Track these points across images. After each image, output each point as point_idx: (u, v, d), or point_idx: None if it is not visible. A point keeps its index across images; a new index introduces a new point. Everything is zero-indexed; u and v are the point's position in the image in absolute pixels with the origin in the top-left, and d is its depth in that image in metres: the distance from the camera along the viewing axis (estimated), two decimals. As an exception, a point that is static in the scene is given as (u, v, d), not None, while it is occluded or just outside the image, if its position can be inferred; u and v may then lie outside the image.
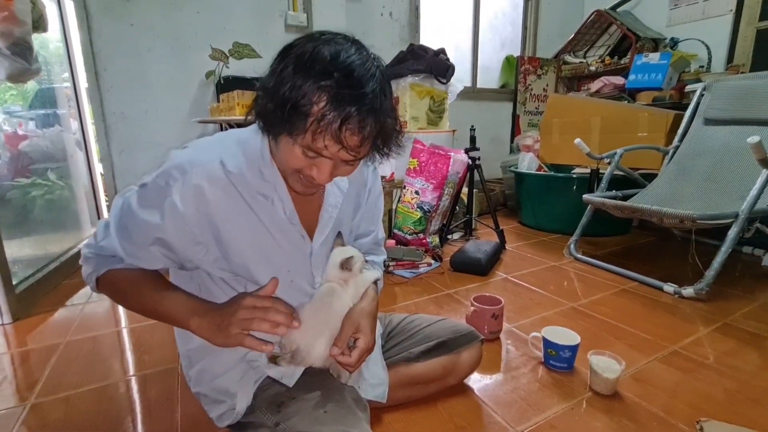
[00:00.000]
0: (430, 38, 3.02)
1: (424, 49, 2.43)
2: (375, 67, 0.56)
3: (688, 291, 1.48)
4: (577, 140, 1.97)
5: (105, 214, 2.31)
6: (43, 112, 1.97)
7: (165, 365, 1.10)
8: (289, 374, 0.71)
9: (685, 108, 2.21)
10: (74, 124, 2.18)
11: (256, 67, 2.28)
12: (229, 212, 0.65)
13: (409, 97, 2.40)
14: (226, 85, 2.15)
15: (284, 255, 0.71)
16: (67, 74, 2.11)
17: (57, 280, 1.71)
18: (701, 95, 2.12)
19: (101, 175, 2.31)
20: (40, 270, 1.64)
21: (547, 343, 1.06)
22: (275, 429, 0.65)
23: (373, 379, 0.83)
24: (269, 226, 0.68)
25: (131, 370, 1.10)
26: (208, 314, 0.62)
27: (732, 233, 1.46)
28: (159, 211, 0.61)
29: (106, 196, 2.29)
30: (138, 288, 0.66)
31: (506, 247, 2.14)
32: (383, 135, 0.60)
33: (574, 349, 1.04)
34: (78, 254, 1.92)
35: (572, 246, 2.01)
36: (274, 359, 0.73)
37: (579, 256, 1.94)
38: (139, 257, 0.65)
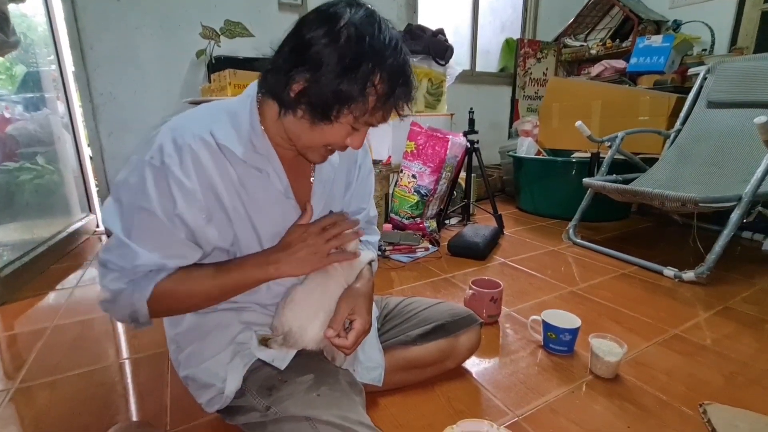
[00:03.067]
0: (428, 19, 2.94)
1: (422, 29, 2.36)
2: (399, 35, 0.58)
3: (689, 275, 1.47)
4: (579, 123, 1.93)
5: (95, 197, 2.25)
6: (30, 95, 1.90)
7: (154, 349, 1.07)
8: (280, 357, 0.68)
9: (686, 92, 2.17)
10: (61, 107, 2.11)
11: (249, 46, 2.22)
12: (225, 186, 0.62)
13: (406, 79, 2.34)
14: (218, 64, 2.07)
15: (278, 231, 0.68)
16: (52, 56, 2.04)
17: (45, 265, 1.67)
18: (704, 78, 2.07)
19: (90, 158, 2.25)
20: (27, 254, 1.59)
21: (547, 327, 1.04)
22: (266, 413, 0.62)
23: (369, 363, 0.81)
24: (263, 202, 0.66)
25: (120, 355, 1.07)
26: (281, 257, 0.65)
27: (735, 216, 1.43)
28: (169, 196, 0.57)
29: (95, 179, 2.23)
30: (195, 282, 0.62)
31: (504, 232, 2.11)
32: None
33: (574, 332, 1.02)
34: (68, 238, 1.88)
35: (571, 231, 1.98)
36: (265, 341, 0.70)
37: (578, 240, 1.92)
38: (178, 254, 0.61)
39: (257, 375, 0.68)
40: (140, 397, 0.90)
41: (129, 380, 0.96)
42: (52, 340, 1.13)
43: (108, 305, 0.60)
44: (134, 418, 0.83)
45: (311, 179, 0.73)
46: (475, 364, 1.00)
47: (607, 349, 0.94)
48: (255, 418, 0.64)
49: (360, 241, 0.89)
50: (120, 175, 0.59)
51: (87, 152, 2.24)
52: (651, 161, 2.07)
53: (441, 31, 2.39)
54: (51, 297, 1.43)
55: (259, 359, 0.69)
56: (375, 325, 0.87)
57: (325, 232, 0.68)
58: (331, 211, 0.76)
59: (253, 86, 0.65)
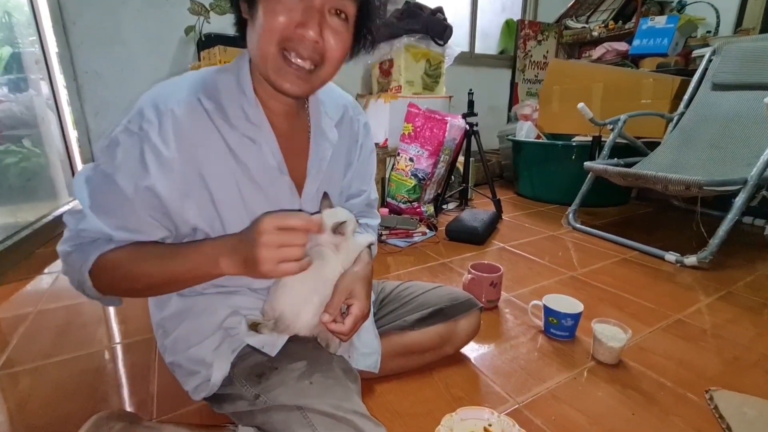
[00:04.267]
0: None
1: (420, 7, 2.28)
2: None
3: (691, 260, 1.44)
4: (581, 105, 1.87)
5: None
6: (14, 76, 1.82)
7: (141, 335, 1.03)
8: (271, 343, 0.64)
9: (690, 75, 2.12)
10: (45, 87, 2.03)
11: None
12: (213, 158, 0.57)
13: (404, 59, 2.26)
14: (208, 42, 1.99)
15: (271, 210, 0.63)
16: (34, 36, 1.94)
17: (30, 249, 1.62)
18: (710, 60, 2.02)
19: (77, 140, 2.17)
20: (11, 238, 1.54)
21: (549, 311, 1.01)
22: (255, 402, 0.59)
23: (365, 349, 0.77)
24: (257, 176, 0.61)
25: (106, 340, 1.03)
26: (234, 249, 0.53)
27: (740, 200, 1.40)
28: (141, 165, 0.52)
29: (82, 162, 2.16)
30: (139, 262, 0.55)
31: (503, 217, 2.08)
32: None
33: (576, 317, 0.99)
34: (54, 222, 1.82)
35: (571, 215, 1.95)
36: (254, 326, 0.66)
37: (578, 225, 1.89)
38: (130, 228, 0.56)
39: (246, 362, 0.64)
40: (126, 384, 0.87)
41: (115, 367, 0.93)
42: (36, 326, 1.09)
43: (63, 268, 0.59)
44: (120, 406, 0.80)
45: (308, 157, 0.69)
46: (474, 350, 0.97)
47: (611, 334, 0.91)
48: (243, 407, 0.60)
49: (359, 224, 0.85)
50: (100, 142, 0.56)
51: (73, 134, 2.16)
52: (652, 146, 2.03)
53: (440, 10, 2.31)
54: (36, 282, 1.38)
55: (248, 345, 0.65)
56: (371, 310, 0.84)
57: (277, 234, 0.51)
58: (325, 194, 0.70)
59: (245, 53, 0.61)
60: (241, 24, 0.59)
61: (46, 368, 0.91)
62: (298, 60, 0.54)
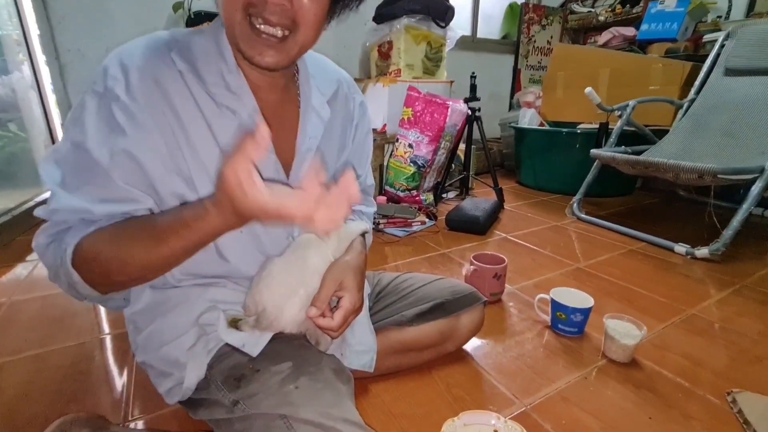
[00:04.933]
0: (427, -22, 2.73)
1: (421, -14, 2.17)
2: None
3: (702, 251, 1.37)
4: (588, 89, 1.79)
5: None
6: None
7: (118, 329, 0.97)
8: (252, 341, 0.57)
9: (699, 61, 2.03)
10: (26, 69, 1.92)
11: None
12: (185, 123, 0.50)
13: (404, 41, 2.16)
14: (197, 19, 1.89)
15: None
16: (13, 12, 1.83)
17: (8, 237, 1.54)
18: (722, 45, 1.93)
19: (61, 123, 2.08)
20: (-12, 224, 1.46)
21: (557, 306, 0.94)
22: (233, 409, 0.52)
23: (359, 346, 0.70)
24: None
25: (81, 335, 0.96)
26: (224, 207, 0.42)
27: (756, 189, 1.33)
28: (112, 126, 0.46)
29: (67, 146, 2.06)
30: (132, 233, 0.47)
31: (504, 207, 2.01)
32: None
33: (586, 312, 0.93)
34: (34, 208, 1.74)
35: (575, 205, 1.88)
36: (234, 323, 0.59)
37: (582, 215, 1.82)
38: (110, 198, 0.47)
39: (224, 363, 0.57)
40: (99, 383, 0.80)
41: (88, 363, 0.85)
42: (6, 318, 1.02)
43: (49, 274, 0.51)
44: (90, 408, 0.73)
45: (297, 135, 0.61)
46: (476, 347, 0.91)
47: (625, 331, 0.85)
48: (220, 414, 0.53)
49: (352, 210, 0.78)
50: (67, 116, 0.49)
51: (56, 115, 2.06)
52: (660, 134, 1.95)
53: (442, -11, 2.20)
54: (14, 271, 1.31)
55: (227, 344, 0.58)
56: (366, 303, 0.77)
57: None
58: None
59: None
60: None
61: (13, 364, 0.84)
62: (267, 27, 0.47)
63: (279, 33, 0.48)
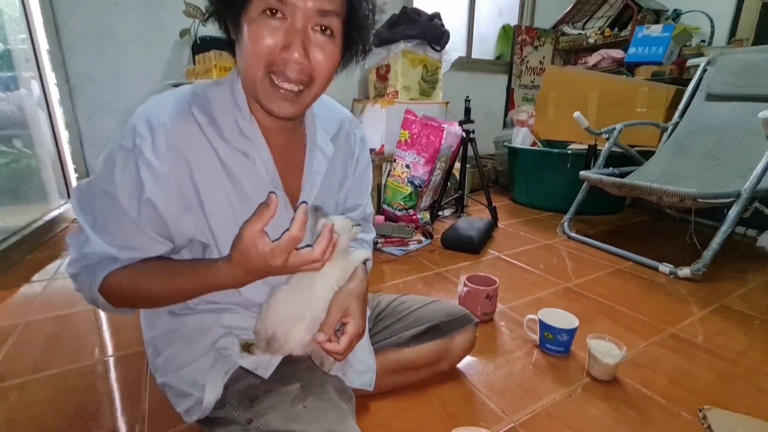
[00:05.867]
0: (424, 2, 2.84)
1: (418, 13, 2.28)
2: None
3: (684, 272, 1.45)
4: (576, 114, 1.88)
5: (74, 184, 2.15)
6: (4, 75, 1.79)
7: (133, 348, 1.02)
8: (264, 364, 0.63)
9: (684, 84, 2.13)
10: (36, 88, 1.99)
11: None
12: (205, 171, 0.57)
13: (401, 64, 2.26)
14: (203, 45, 1.97)
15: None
16: (25, 35, 1.91)
17: (19, 255, 1.59)
18: (704, 70, 2.03)
19: (68, 141, 2.14)
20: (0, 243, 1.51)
21: (544, 326, 1.01)
22: (248, 426, 0.58)
23: (360, 366, 0.76)
24: (249, 191, 0.60)
25: (97, 354, 1.01)
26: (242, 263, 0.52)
27: (733, 212, 1.41)
28: (137, 181, 0.53)
29: (74, 164, 2.12)
30: (147, 280, 0.57)
31: (498, 225, 2.08)
32: None
33: (571, 332, 0.99)
34: (45, 227, 1.80)
35: (566, 224, 1.95)
36: (247, 347, 0.65)
37: (573, 234, 1.89)
38: (134, 246, 0.56)
39: (239, 384, 0.63)
40: (117, 401, 0.85)
41: (106, 382, 0.91)
42: (24, 338, 1.07)
43: (75, 287, 0.60)
44: (110, 425, 0.78)
45: (303, 172, 0.68)
46: (469, 365, 0.97)
47: (606, 350, 0.91)
48: (235, 431, 0.59)
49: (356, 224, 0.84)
50: (99, 158, 0.56)
51: (64, 136, 2.13)
52: (647, 154, 2.04)
53: (437, 15, 2.31)
54: (25, 290, 1.36)
55: (241, 367, 0.64)
56: (366, 325, 0.83)
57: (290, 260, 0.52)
58: (316, 207, 0.69)
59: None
60: (231, 44, 0.58)
61: (34, 383, 0.89)
62: (285, 84, 0.54)
63: (296, 88, 0.55)
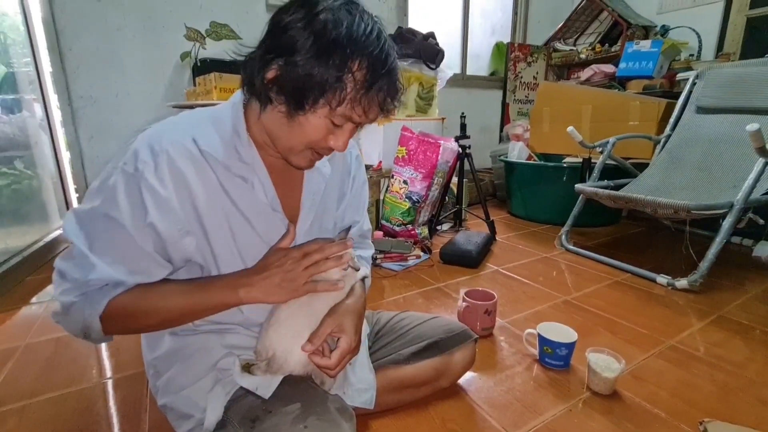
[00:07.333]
0: (419, 22, 2.92)
1: (413, 33, 2.34)
2: (384, 29, 0.56)
3: (682, 283, 1.46)
4: (570, 128, 1.92)
5: (74, 205, 2.17)
6: (7, 97, 1.82)
7: (133, 369, 1.02)
8: (264, 385, 0.64)
9: (675, 97, 2.18)
10: (38, 110, 2.03)
11: (235, 49, 2.16)
12: (206, 196, 0.58)
13: (397, 82, 2.30)
14: (203, 67, 2.02)
15: (264, 247, 0.64)
16: (29, 58, 1.95)
17: (19, 277, 1.59)
18: (693, 83, 2.08)
19: (70, 163, 2.17)
20: (0, 265, 1.52)
21: (543, 341, 1.01)
22: (249, 448, 0.58)
23: (360, 384, 0.76)
24: (248, 214, 0.62)
25: (96, 376, 1.01)
26: (253, 281, 0.59)
27: (727, 223, 1.43)
28: (140, 205, 0.53)
29: (75, 186, 2.14)
30: (154, 301, 0.57)
31: (496, 238, 2.09)
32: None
33: (570, 346, 0.99)
34: (45, 248, 1.80)
35: (563, 237, 1.97)
36: (248, 368, 0.66)
37: (570, 247, 1.91)
38: (142, 270, 0.57)
39: (240, 405, 0.63)
40: (116, 424, 0.85)
41: (105, 404, 0.91)
42: (24, 360, 1.07)
43: (59, 317, 0.56)
44: (109, 448, 0.78)
45: (302, 192, 0.70)
46: (469, 381, 0.97)
47: (605, 364, 0.91)
48: (237, 453, 0.59)
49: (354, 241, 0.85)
50: (92, 184, 0.57)
51: (66, 157, 2.16)
52: (641, 166, 2.07)
53: (432, 35, 2.37)
54: (25, 312, 1.36)
55: (241, 387, 0.64)
56: (366, 343, 0.83)
57: (306, 259, 0.62)
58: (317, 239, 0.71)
59: (239, 93, 0.62)
60: (256, 89, 0.56)
61: (33, 407, 0.89)
62: (318, 158, 0.62)
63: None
